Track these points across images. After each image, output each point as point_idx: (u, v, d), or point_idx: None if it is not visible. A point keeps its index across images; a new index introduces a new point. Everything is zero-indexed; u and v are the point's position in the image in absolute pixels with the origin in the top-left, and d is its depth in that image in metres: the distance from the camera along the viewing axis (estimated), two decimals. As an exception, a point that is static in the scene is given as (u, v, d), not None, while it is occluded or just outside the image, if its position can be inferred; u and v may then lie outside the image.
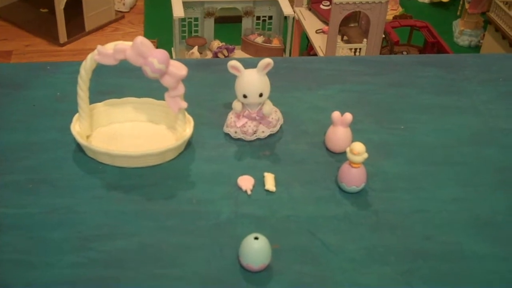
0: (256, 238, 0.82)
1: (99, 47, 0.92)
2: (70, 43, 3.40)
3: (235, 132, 1.05)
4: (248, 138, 1.05)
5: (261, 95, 1.01)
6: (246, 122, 1.04)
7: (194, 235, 0.89)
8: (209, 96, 1.16)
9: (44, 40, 3.41)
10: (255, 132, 1.05)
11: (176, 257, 0.85)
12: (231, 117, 1.05)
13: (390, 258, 0.87)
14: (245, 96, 1.01)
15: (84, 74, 0.97)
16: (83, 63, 0.96)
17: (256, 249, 0.81)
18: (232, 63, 1.00)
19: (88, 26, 3.47)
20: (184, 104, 0.98)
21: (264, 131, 1.05)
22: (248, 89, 1.00)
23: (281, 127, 1.08)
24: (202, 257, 0.85)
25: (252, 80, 1.00)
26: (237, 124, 1.04)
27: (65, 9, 3.25)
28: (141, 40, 0.91)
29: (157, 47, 2.65)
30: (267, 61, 0.99)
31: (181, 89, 0.96)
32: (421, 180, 1.00)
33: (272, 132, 1.06)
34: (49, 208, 0.91)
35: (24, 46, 3.40)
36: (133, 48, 0.91)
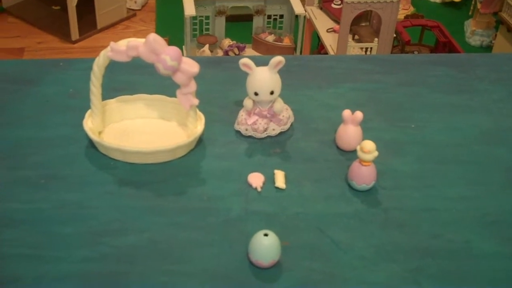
0: (266, 235, 0.82)
1: (112, 43, 0.93)
2: (82, 40, 3.42)
3: (246, 130, 1.05)
4: (259, 135, 1.05)
5: (272, 92, 1.01)
6: (257, 120, 1.04)
7: (204, 231, 0.89)
8: (220, 94, 1.17)
9: (56, 38, 3.43)
10: (265, 130, 1.05)
11: (186, 253, 0.86)
12: (242, 114, 1.06)
13: (399, 256, 0.87)
14: (256, 94, 1.01)
15: (97, 71, 0.98)
16: (96, 59, 0.97)
17: (265, 245, 0.82)
18: (244, 60, 1.01)
19: (100, 23, 3.48)
20: (196, 101, 0.99)
21: (274, 129, 1.06)
22: (260, 86, 1.01)
23: (291, 125, 1.09)
24: (212, 254, 0.86)
25: (264, 77, 1.01)
26: (248, 121, 1.04)
27: (77, 6, 3.27)
28: (153, 37, 0.91)
29: (168, 45, 2.64)
30: (278, 59, 0.99)
31: (193, 86, 0.96)
32: (430, 178, 1.01)
33: (282, 130, 1.07)
34: (60, 203, 0.92)
35: (36, 43, 3.42)
36: (146, 45, 0.92)
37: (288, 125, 1.08)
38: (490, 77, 1.27)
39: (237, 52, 2.93)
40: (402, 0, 3.17)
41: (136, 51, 0.92)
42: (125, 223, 0.90)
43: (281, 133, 1.07)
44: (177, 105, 1.03)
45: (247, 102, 1.03)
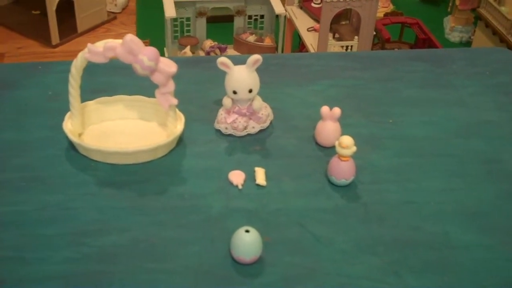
0: (247, 231, 0.83)
1: (89, 45, 0.94)
2: (63, 44, 3.41)
3: (226, 128, 1.06)
4: (239, 133, 1.06)
5: (250, 91, 1.02)
6: (237, 118, 1.05)
7: (186, 229, 0.90)
8: (199, 93, 1.18)
9: (37, 42, 3.42)
10: (245, 128, 1.06)
11: (168, 251, 0.86)
12: (221, 113, 1.06)
13: (379, 248, 0.88)
14: (235, 92, 1.02)
15: (75, 73, 0.98)
16: (74, 61, 0.97)
17: (247, 241, 0.83)
18: (222, 59, 1.01)
19: (80, 27, 3.47)
20: (175, 101, 0.99)
21: (254, 127, 1.07)
22: (238, 85, 1.01)
23: (271, 122, 1.10)
24: (194, 251, 0.86)
25: (242, 76, 1.01)
26: (228, 120, 1.05)
27: (57, 10, 3.26)
28: (130, 37, 0.92)
29: (149, 47, 2.59)
30: (256, 57, 1.00)
31: (171, 86, 0.97)
32: (409, 172, 1.02)
33: (262, 128, 1.08)
34: (41, 205, 0.92)
35: (16, 48, 3.40)
36: (123, 45, 0.92)
37: (268, 123, 1.08)
38: (466, 72, 1.28)
39: (218, 53, 2.93)
40: (381, -2, 3.19)
41: (113, 52, 0.92)
42: (106, 223, 0.90)
43: (260, 131, 1.08)
44: (156, 106, 1.04)
45: (226, 101, 1.04)
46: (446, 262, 0.87)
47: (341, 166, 0.96)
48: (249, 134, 1.07)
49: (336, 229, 0.91)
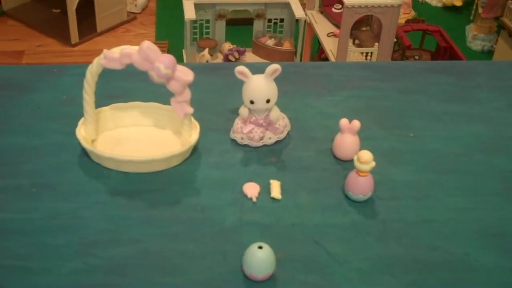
0: (260, 247, 0.81)
1: (105, 51, 0.92)
2: (82, 43, 3.41)
3: (242, 138, 1.04)
4: (255, 144, 1.04)
5: (268, 101, 1.00)
6: (253, 128, 1.03)
7: (198, 242, 0.88)
8: (216, 101, 1.15)
9: (56, 41, 3.42)
10: (261, 139, 1.04)
11: (179, 265, 0.84)
12: (237, 123, 1.04)
13: (396, 268, 0.85)
14: (252, 102, 1.00)
15: (90, 78, 0.96)
16: (89, 67, 0.95)
17: (259, 258, 0.80)
18: (239, 68, 0.99)
19: (100, 27, 3.47)
20: (190, 110, 0.97)
21: (271, 138, 1.04)
22: (255, 95, 0.99)
23: (288, 133, 1.07)
24: (206, 265, 0.84)
25: (259, 86, 0.99)
26: (244, 130, 1.03)
27: (77, 9, 3.26)
28: (147, 44, 0.90)
29: (168, 49, 2.65)
30: (274, 67, 0.98)
31: (187, 94, 0.95)
32: (429, 188, 0.99)
33: (279, 139, 1.05)
34: (52, 213, 0.90)
35: (36, 46, 3.41)
36: (140, 52, 0.90)
37: (285, 134, 1.06)
38: (490, 85, 1.25)
39: (237, 56, 2.92)
40: (403, 4, 3.15)
41: (129, 58, 0.90)
42: (117, 233, 0.88)
43: (277, 142, 1.06)
44: (171, 113, 1.02)
45: (243, 111, 1.02)
46: (466, 285, 0.84)
47: (359, 181, 0.94)
48: (265, 145, 1.05)
49: (352, 247, 0.88)
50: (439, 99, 1.20)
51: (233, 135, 1.05)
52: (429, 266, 0.86)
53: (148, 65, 0.90)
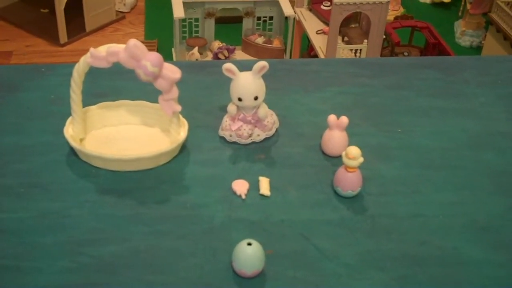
0: (249, 244, 0.81)
1: (91, 50, 0.91)
2: (71, 43, 3.40)
3: (230, 136, 1.04)
4: (243, 141, 1.04)
5: (256, 98, 1.00)
6: (241, 126, 1.03)
7: (187, 239, 0.87)
8: (204, 99, 1.15)
9: (45, 41, 3.41)
10: (250, 136, 1.04)
11: (169, 262, 0.84)
12: (226, 120, 1.04)
13: (386, 263, 0.85)
14: (240, 99, 1.00)
15: (77, 77, 0.96)
16: (76, 65, 0.95)
17: (249, 255, 0.80)
18: (227, 66, 0.99)
19: (89, 26, 3.46)
20: (178, 107, 0.97)
21: (259, 135, 1.04)
22: (243, 92, 0.99)
23: (277, 130, 1.07)
24: (195, 262, 0.84)
25: (247, 83, 0.99)
26: (232, 127, 1.03)
27: (65, 9, 3.25)
28: (134, 42, 0.89)
29: (157, 48, 2.64)
30: (261, 64, 0.98)
31: (175, 92, 0.95)
32: (418, 184, 0.99)
33: (267, 136, 1.05)
34: (40, 212, 0.90)
35: (24, 46, 3.39)
36: (126, 50, 0.90)
37: (273, 131, 1.06)
38: (478, 80, 1.26)
39: (226, 54, 2.91)
40: (391, 1, 3.16)
41: (116, 57, 0.90)
42: (106, 232, 0.88)
43: (266, 139, 1.06)
44: (159, 111, 1.01)
45: (231, 108, 1.02)
46: (455, 279, 0.84)
47: (348, 177, 0.94)
48: (254, 142, 1.05)
49: (341, 242, 0.88)
50: (427, 95, 1.20)
51: (221, 133, 1.05)
52: (418, 260, 0.86)
53: (135, 63, 0.90)
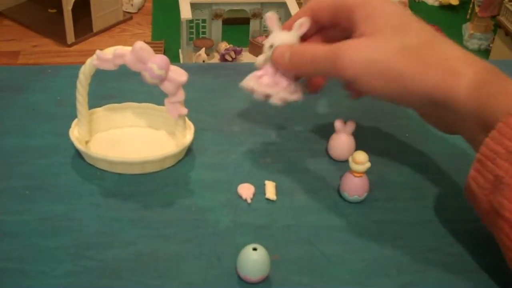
0: (254, 249, 0.80)
1: (98, 52, 0.91)
2: (78, 43, 3.41)
3: (249, 80, 0.96)
4: (261, 90, 0.96)
5: None
6: (264, 75, 0.97)
7: (192, 244, 0.87)
8: (211, 101, 1.15)
9: (52, 41, 3.42)
10: (270, 87, 0.96)
11: (173, 267, 0.83)
12: (253, 72, 0.98)
13: (392, 270, 0.85)
14: (271, 47, 0.95)
15: (83, 79, 0.95)
16: (82, 68, 0.95)
17: (254, 260, 0.80)
18: (270, 14, 0.96)
19: (96, 26, 3.47)
20: (184, 111, 0.96)
21: (279, 93, 0.96)
22: (278, 40, 0.95)
23: (298, 100, 1.00)
24: (200, 267, 0.84)
25: (284, 35, 0.95)
26: (256, 73, 0.97)
27: (73, 9, 3.26)
28: (140, 45, 0.89)
29: (164, 49, 2.65)
30: (301, 20, 0.95)
31: (181, 95, 0.94)
32: (425, 189, 0.98)
33: (287, 100, 0.97)
34: (45, 215, 0.90)
35: (31, 46, 3.40)
36: (133, 53, 0.89)
37: (295, 97, 0.98)
38: (486, 84, 1.24)
39: (233, 55, 2.91)
40: (399, 3, 3.15)
41: (122, 59, 0.89)
42: (110, 235, 0.87)
43: (271, 143, 1.05)
44: (165, 114, 1.01)
45: (259, 58, 0.96)
46: (462, 286, 0.83)
47: (354, 182, 0.93)
48: (260, 144, 1.03)
49: (347, 248, 0.88)
50: (435, 99, 1.19)
51: (243, 83, 0.97)
52: (425, 267, 0.85)
53: (141, 66, 0.90)
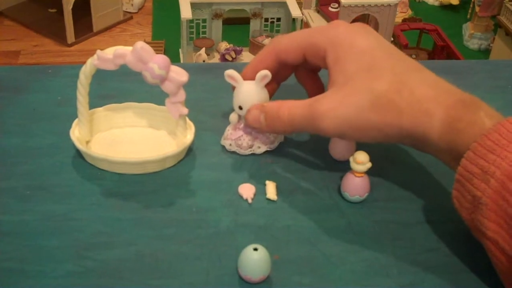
0: (255, 249, 0.80)
1: (98, 52, 0.91)
2: (78, 43, 3.41)
3: (230, 145, 1.02)
4: (243, 152, 1.02)
5: None
6: (242, 136, 1.01)
7: (192, 244, 0.87)
8: (211, 102, 1.15)
9: (52, 41, 3.42)
10: (250, 147, 1.02)
11: (174, 267, 0.83)
12: (228, 129, 1.02)
13: (393, 270, 0.85)
14: (240, 108, 0.98)
15: (83, 79, 0.95)
16: (83, 68, 0.95)
17: (255, 260, 0.80)
18: (229, 72, 0.97)
19: (96, 26, 3.47)
20: (185, 111, 0.96)
21: (260, 147, 1.02)
22: (244, 101, 0.97)
23: (280, 144, 1.05)
24: (201, 267, 0.84)
25: (249, 91, 0.97)
26: (232, 136, 1.01)
27: (73, 9, 3.26)
28: (141, 45, 0.89)
29: (164, 48, 2.65)
30: (263, 73, 0.96)
31: (182, 95, 0.94)
32: (425, 189, 0.98)
33: (269, 149, 1.03)
34: (46, 215, 0.90)
35: (32, 46, 3.40)
36: (133, 53, 0.89)
37: (276, 144, 1.03)
38: (487, 85, 1.24)
39: (234, 55, 2.91)
40: (400, 3, 3.14)
41: (123, 59, 0.89)
42: (111, 236, 0.87)
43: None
44: (166, 114, 1.01)
45: (233, 117, 1.00)
46: (464, 286, 0.83)
47: (355, 182, 0.93)
48: (253, 154, 1.03)
49: (348, 248, 0.88)
50: (435, 99, 1.19)
51: (223, 141, 1.03)
52: (426, 267, 0.85)
53: (141, 66, 0.90)
